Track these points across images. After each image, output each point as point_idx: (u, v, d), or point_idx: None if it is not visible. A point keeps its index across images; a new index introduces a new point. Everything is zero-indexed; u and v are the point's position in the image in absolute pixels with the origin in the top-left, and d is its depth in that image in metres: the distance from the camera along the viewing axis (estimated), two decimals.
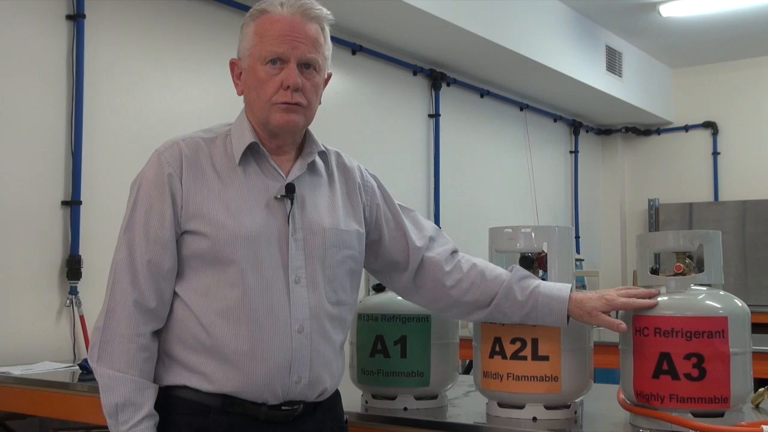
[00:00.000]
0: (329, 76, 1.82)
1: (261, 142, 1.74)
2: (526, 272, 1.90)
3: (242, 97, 1.79)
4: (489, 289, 1.88)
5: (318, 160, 1.82)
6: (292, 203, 1.72)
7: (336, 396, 1.84)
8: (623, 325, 1.80)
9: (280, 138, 1.75)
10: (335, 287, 1.76)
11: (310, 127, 1.81)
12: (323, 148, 1.83)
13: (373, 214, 1.90)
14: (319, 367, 1.71)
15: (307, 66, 1.71)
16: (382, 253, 1.91)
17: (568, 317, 1.83)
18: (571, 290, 1.84)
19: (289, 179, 1.74)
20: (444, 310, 1.96)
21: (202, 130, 1.79)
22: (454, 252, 1.95)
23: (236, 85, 1.79)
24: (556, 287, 1.85)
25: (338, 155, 1.90)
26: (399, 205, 1.96)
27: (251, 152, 1.74)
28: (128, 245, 1.68)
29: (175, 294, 1.70)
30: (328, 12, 1.77)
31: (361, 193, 1.88)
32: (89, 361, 1.69)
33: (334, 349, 1.76)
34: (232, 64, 1.79)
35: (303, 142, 1.81)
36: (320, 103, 1.81)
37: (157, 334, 1.70)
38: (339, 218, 1.79)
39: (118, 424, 1.61)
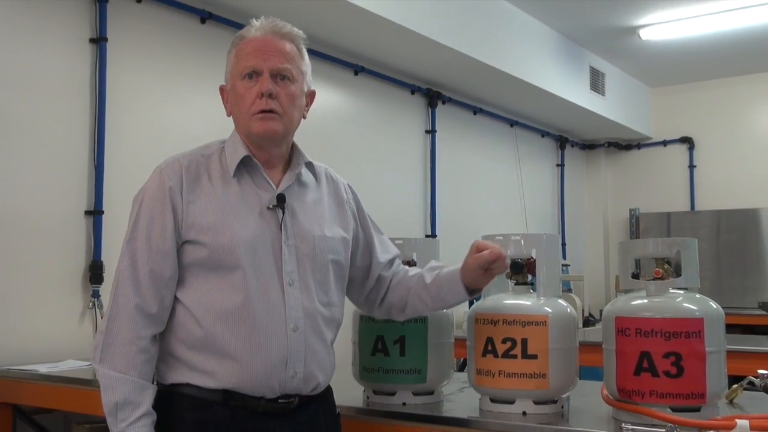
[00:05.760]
0: (313, 93, 1.83)
1: (253, 156, 1.75)
2: (436, 263, 1.93)
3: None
4: (408, 282, 1.92)
5: (305, 170, 1.83)
6: (283, 212, 1.73)
7: (329, 390, 1.85)
8: (492, 251, 1.79)
9: (265, 149, 1.76)
10: (326, 289, 1.78)
11: (301, 142, 1.83)
12: (309, 160, 1.84)
13: (353, 230, 1.92)
14: (312, 362, 1.72)
15: (281, 77, 1.72)
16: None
17: (466, 288, 1.85)
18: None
19: (280, 190, 1.75)
20: (388, 316, 1.99)
21: (200, 147, 1.80)
22: (402, 267, 2.00)
23: (226, 108, 1.82)
24: (452, 268, 1.88)
25: (326, 168, 1.92)
26: (371, 221, 1.98)
27: (244, 165, 1.75)
28: (131, 255, 1.68)
29: (176, 299, 1.70)
30: (300, 31, 1.78)
31: (351, 207, 1.92)
32: (92, 362, 1.67)
33: (326, 346, 1.77)
34: (221, 90, 1.82)
35: (291, 155, 1.82)
36: (305, 118, 1.81)
37: (157, 337, 1.69)
38: (326, 225, 1.81)
39: (117, 422, 1.60)
